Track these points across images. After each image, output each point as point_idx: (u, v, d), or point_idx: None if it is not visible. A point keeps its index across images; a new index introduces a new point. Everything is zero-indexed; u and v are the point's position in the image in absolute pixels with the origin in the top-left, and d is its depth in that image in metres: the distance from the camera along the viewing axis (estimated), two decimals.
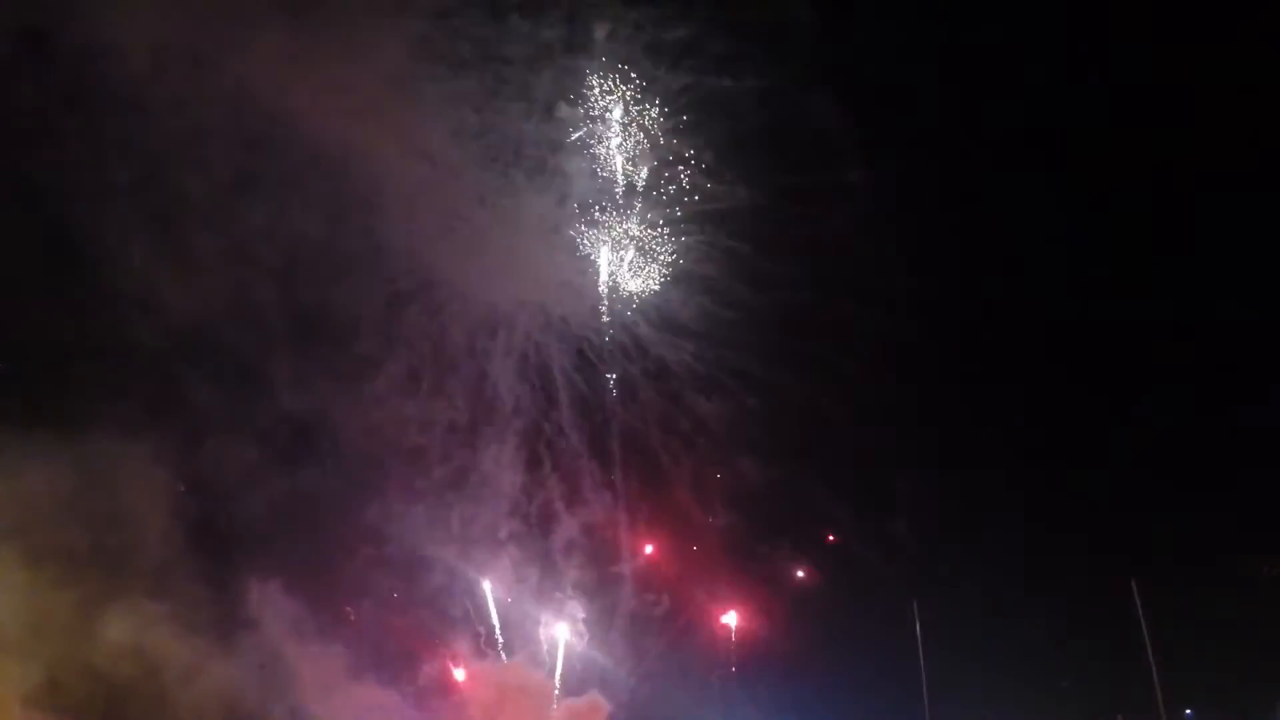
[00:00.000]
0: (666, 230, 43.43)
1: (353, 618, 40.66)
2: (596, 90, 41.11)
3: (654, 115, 41.56)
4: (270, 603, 36.87)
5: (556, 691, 42.90)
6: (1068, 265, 43.55)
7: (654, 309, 44.24)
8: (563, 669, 43.37)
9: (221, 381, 37.02)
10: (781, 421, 45.06)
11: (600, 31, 40.29)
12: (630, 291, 44.12)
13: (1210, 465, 39.62)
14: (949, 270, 43.50)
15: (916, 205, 42.56)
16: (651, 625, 44.32)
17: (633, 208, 43.22)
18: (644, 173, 42.44)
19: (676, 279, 43.72)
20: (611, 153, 42.20)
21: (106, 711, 32.90)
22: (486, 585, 42.86)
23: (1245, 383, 40.12)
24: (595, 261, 43.74)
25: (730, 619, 45.20)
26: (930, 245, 42.52)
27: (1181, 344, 41.11)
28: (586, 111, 41.24)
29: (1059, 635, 40.42)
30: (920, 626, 40.55)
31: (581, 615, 44.09)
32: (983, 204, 43.48)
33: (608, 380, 44.98)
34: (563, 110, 41.13)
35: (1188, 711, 38.27)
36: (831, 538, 44.97)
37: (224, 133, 35.99)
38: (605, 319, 44.50)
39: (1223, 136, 39.32)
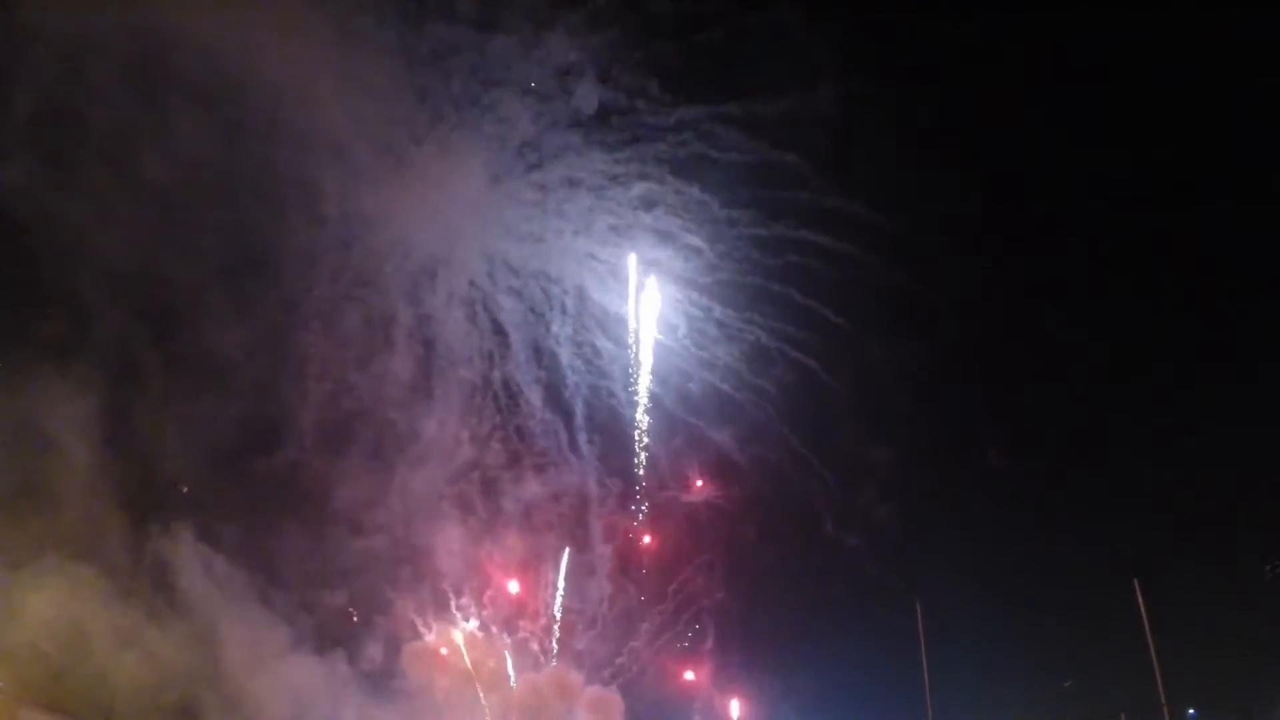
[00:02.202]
0: (619, 172, 41.15)
1: (355, 618, 39.81)
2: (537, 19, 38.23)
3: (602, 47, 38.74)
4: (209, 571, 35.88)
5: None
6: (1071, 260, 43.55)
7: (609, 260, 42.67)
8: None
9: (151, 332, 35.97)
10: (763, 385, 43.89)
11: None
12: (583, 241, 42.14)
13: (1213, 464, 39.75)
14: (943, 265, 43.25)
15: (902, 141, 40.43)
16: (636, 614, 44.30)
17: (583, 150, 40.89)
18: (592, 110, 39.93)
19: (633, 226, 42.10)
20: (555, 90, 39.77)
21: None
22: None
23: (1248, 380, 40.23)
24: (544, 208, 41.55)
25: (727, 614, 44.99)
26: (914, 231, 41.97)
27: (1186, 341, 41.32)
28: (529, 42, 38.51)
29: (1062, 634, 40.54)
30: (923, 626, 40.36)
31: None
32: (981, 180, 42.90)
33: (561, 335, 43.14)
34: (499, 40, 38.42)
35: (1190, 711, 38.16)
36: (833, 535, 44.38)
37: (147, 69, 34.35)
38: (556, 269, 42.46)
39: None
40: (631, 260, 42.95)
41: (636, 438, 44.60)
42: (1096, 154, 42.00)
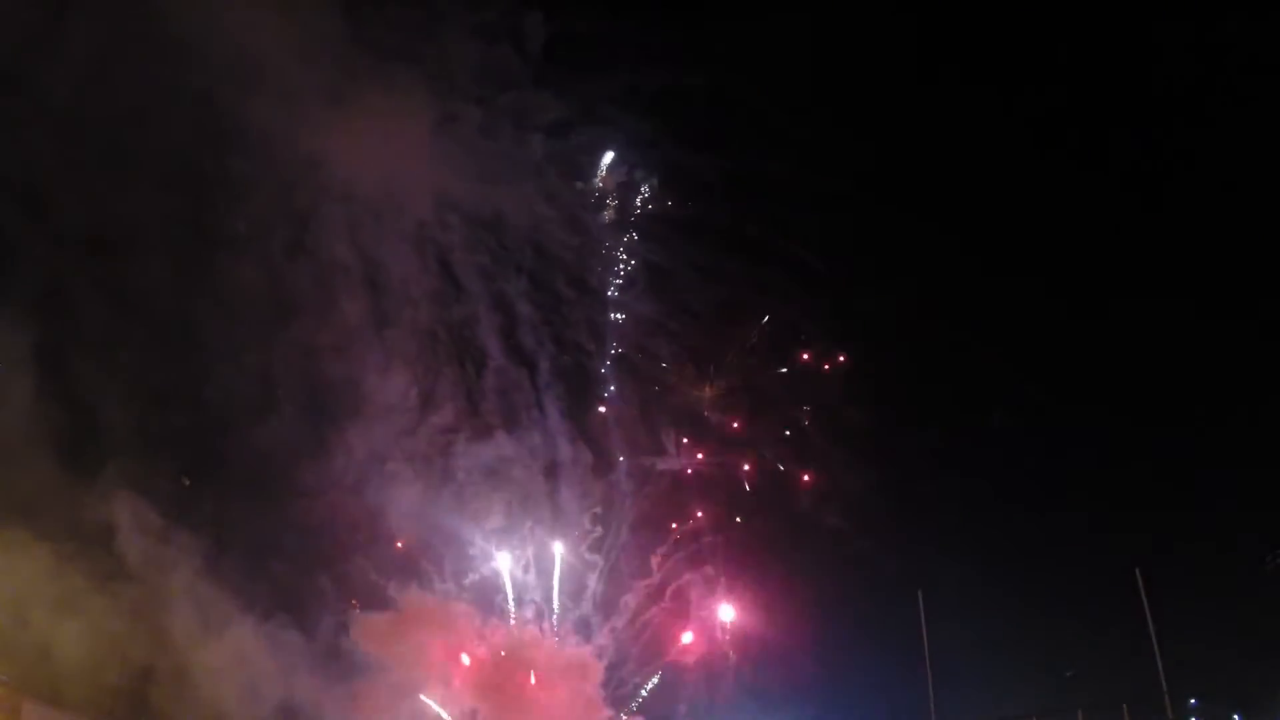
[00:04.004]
0: (570, 114, 39.42)
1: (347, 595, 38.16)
2: None
3: None
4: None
5: None
6: (1068, 253, 43.21)
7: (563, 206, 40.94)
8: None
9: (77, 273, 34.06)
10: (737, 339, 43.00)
11: None
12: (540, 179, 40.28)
13: (1216, 453, 39.64)
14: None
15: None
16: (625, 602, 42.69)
17: (535, 87, 38.97)
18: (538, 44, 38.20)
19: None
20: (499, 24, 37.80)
21: None
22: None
23: (1250, 369, 40.02)
24: (493, 150, 39.52)
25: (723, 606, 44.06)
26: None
27: (1186, 329, 41.02)
28: None
29: (1063, 624, 40.31)
30: (924, 616, 40.07)
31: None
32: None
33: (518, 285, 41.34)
34: None
35: (1192, 701, 38.09)
36: (833, 521, 43.80)
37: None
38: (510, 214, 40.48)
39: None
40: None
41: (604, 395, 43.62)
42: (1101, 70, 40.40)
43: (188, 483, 35.42)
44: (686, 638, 43.04)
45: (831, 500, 42.93)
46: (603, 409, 44.31)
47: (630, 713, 42.42)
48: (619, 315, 43.66)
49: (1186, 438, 40.30)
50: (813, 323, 43.99)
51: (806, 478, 44.37)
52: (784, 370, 45.62)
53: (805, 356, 45.13)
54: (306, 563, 38.22)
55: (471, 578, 42.10)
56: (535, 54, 38.82)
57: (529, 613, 42.32)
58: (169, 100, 34.49)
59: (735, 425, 45.41)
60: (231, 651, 34.30)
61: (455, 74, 38.75)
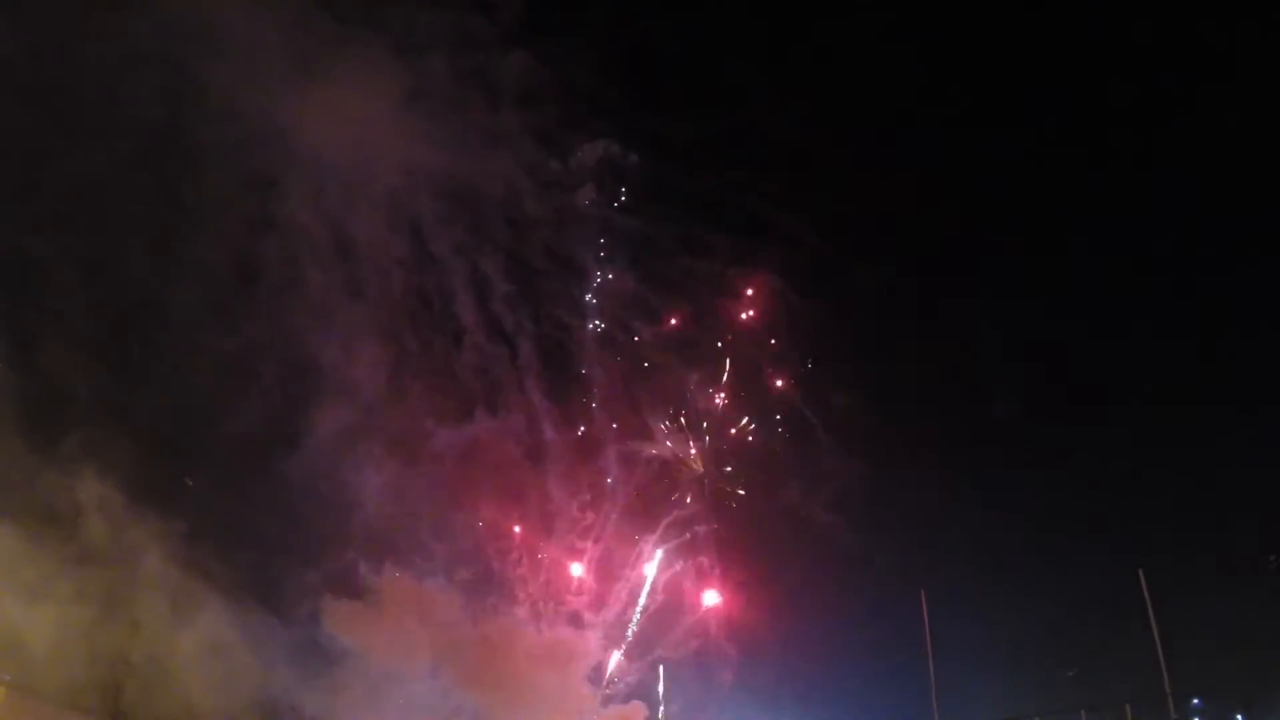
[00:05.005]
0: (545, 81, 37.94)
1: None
2: None
3: None
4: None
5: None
6: (1073, 252, 43.27)
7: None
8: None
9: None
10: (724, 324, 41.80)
11: None
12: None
13: (1218, 454, 39.83)
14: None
15: None
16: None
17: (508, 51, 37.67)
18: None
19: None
20: None
21: None
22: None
23: (1251, 369, 40.33)
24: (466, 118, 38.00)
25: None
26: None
27: (1187, 329, 41.30)
28: None
29: (1066, 625, 40.31)
30: (928, 616, 39.55)
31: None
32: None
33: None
34: None
35: (1195, 701, 38.15)
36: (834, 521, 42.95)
37: None
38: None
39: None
40: None
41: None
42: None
43: (190, 483, 33.09)
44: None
45: (833, 499, 42.10)
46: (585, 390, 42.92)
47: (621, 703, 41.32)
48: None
49: (1190, 439, 40.55)
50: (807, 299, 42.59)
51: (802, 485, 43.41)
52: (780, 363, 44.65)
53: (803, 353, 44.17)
54: (293, 549, 36.39)
55: (458, 568, 40.59)
56: (508, 19, 37.42)
57: (516, 600, 41.06)
58: (131, 67, 32.50)
59: (727, 420, 44.39)
60: (223, 637, 32.52)
61: (427, 40, 37.18)
